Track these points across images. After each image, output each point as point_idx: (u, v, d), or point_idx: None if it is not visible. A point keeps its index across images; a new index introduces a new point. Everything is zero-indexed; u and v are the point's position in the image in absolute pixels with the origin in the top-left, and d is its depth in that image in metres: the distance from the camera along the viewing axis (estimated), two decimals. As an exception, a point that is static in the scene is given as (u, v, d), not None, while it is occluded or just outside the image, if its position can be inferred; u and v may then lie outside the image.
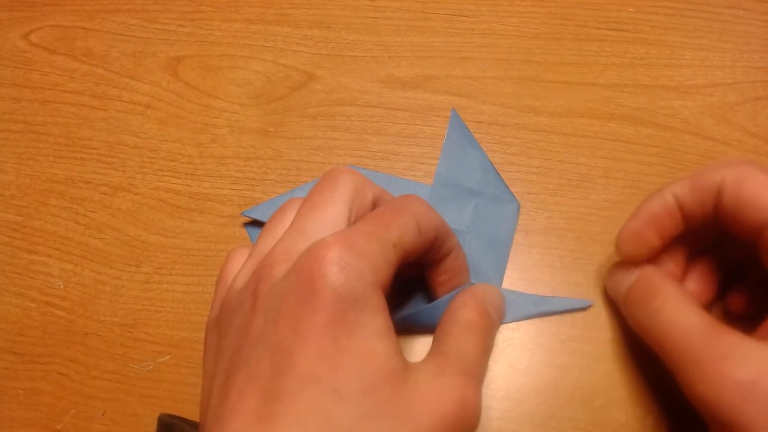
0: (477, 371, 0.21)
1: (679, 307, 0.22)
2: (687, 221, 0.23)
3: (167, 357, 0.28)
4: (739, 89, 0.31)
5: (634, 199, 0.29)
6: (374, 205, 0.23)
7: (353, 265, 0.19)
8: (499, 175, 0.29)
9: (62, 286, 0.29)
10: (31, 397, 0.27)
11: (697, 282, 0.25)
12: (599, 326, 0.26)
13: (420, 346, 0.27)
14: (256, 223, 0.29)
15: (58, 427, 0.27)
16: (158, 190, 0.31)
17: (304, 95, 0.32)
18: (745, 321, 0.24)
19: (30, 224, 0.31)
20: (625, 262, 0.25)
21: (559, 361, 0.26)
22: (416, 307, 0.27)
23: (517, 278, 0.28)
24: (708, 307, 0.25)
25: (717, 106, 0.30)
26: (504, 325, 0.27)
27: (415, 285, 0.27)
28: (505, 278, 0.28)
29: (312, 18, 0.34)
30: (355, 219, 0.22)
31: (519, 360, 0.26)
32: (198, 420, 0.22)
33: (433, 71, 0.32)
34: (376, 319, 0.19)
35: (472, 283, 0.25)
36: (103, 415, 0.27)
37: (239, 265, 0.23)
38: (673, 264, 0.25)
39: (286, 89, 0.33)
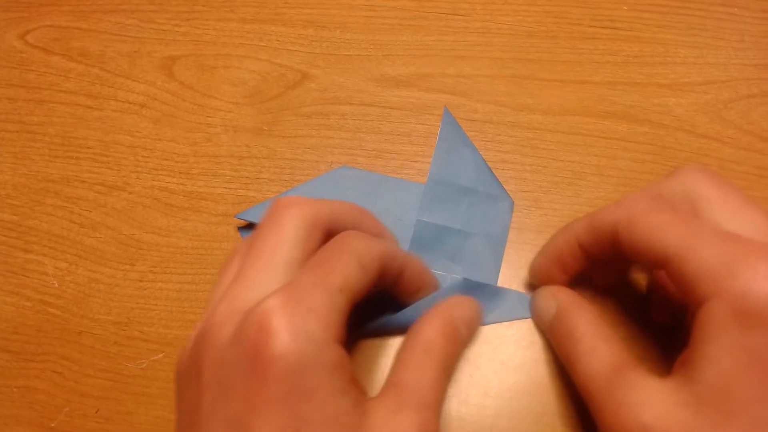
0: (435, 402, 0.21)
1: (590, 348, 0.22)
2: (589, 258, 0.24)
3: (161, 355, 0.28)
4: (733, 87, 0.31)
5: (627, 196, 0.29)
6: (329, 233, 0.22)
7: (301, 328, 0.18)
8: (492, 172, 0.29)
9: (57, 285, 0.29)
10: (26, 395, 0.27)
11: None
12: (592, 323, 0.26)
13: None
14: (251, 226, 0.29)
15: (52, 424, 0.27)
16: (153, 189, 0.31)
17: (298, 94, 0.32)
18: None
19: (25, 223, 0.31)
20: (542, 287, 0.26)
21: (552, 358, 0.26)
22: (389, 311, 0.26)
23: (510, 276, 0.28)
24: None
25: (711, 103, 0.30)
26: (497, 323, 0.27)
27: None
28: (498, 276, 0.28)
29: (306, 17, 0.34)
30: (308, 255, 0.21)
31: (512, 357, 0.26)
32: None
33: (427, 70, 0.32)
34: (333, 378, 0.18)
35: (459, 281, 0.25)
36: (96, 412, 0.27)
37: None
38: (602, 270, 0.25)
39: (280, 88, 0.33)
